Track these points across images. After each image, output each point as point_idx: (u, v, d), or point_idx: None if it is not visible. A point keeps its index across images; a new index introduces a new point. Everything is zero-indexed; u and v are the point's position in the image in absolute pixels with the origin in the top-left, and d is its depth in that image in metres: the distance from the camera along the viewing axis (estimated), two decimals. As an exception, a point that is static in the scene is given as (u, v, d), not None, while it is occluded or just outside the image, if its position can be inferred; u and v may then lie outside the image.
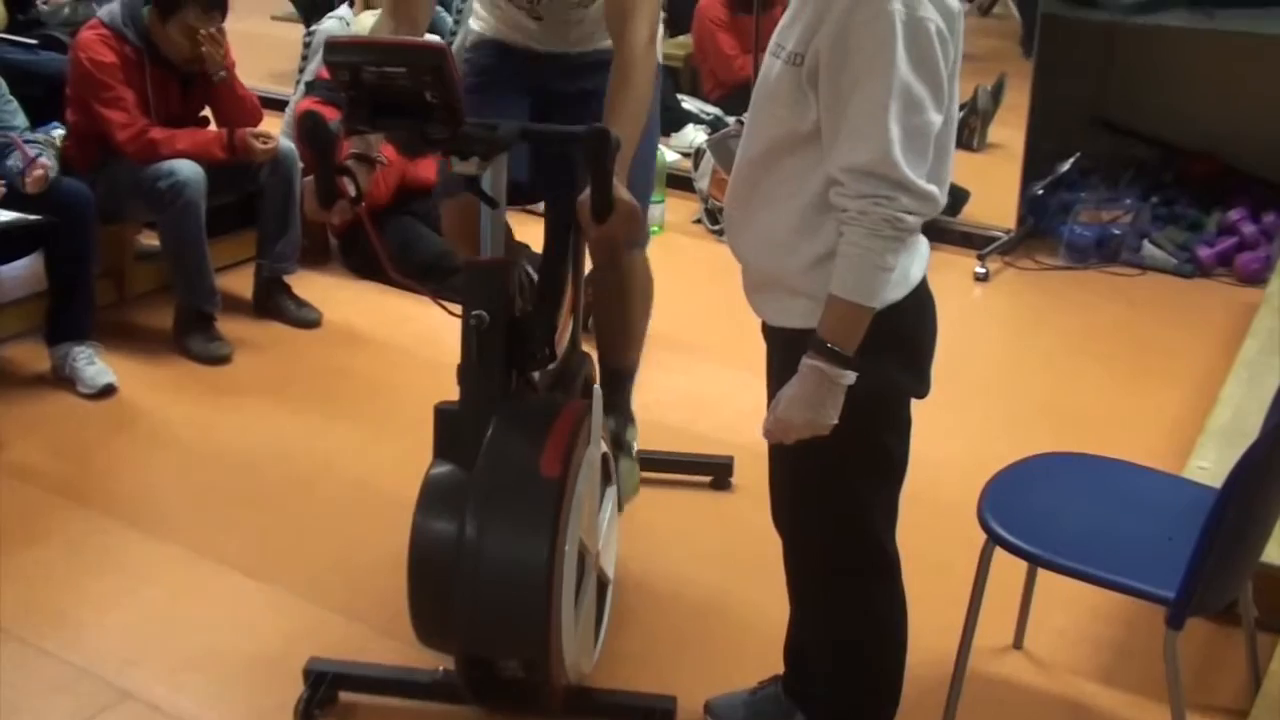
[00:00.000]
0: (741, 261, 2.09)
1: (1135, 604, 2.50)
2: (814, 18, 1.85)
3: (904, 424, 2.10)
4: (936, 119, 1.84)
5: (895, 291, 1.93)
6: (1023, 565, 2.45)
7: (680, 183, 5.53)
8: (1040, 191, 5.28)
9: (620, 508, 2.96)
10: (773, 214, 1.97)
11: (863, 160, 1.81)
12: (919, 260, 2.01)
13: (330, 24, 5.13)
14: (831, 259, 1.87)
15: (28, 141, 3.81)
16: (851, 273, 1.85)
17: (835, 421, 1.91)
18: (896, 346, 1.98)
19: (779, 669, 2.48)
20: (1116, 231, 5.05)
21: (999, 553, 2.29)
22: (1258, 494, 2.08)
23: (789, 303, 1.99)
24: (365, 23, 4.73)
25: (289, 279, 4.45)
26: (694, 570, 3.06)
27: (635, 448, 3.07)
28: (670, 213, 5.28)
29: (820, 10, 1.84)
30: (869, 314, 1.87)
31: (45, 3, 5.54)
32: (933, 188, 1.84)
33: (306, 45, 5.28)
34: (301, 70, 5.25)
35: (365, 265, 4.69)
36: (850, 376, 1.88)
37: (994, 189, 5.23)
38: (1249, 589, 2.42)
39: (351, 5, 5.22)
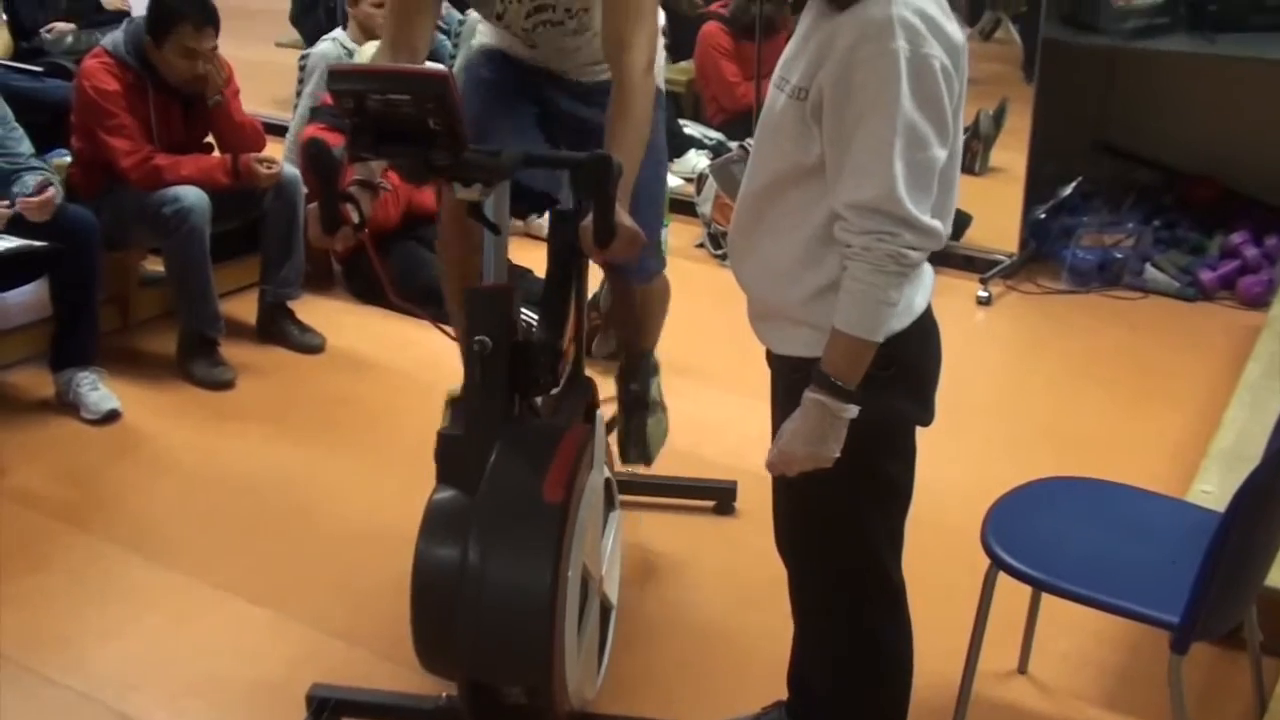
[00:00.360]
0: (745, 290, 2.09)
1: (1139, 629, 2.50)
2: (817, 53, 1.86)
3: (909, 452, 2.10)
4: (941, 154, 1.84)
5: (899, 321, 1.93)
6: (1026, 589, 2.44)
7: (683, 207, 5.55)
8: (1042, 215, 5.29)
9: (650, 460, 3.12)
10: (776, 244, 1.98)
11: (867, 197, 1.81)
12: (923, 290, 2.01)
13: (324, 47, 5.15)
14: (834, 290, 1.88)
15: (35, 169, 3.82)
16: (855, 308, 1.85)
17: (837, 454, 1.91)
18: (901, 375, 1.98)
19: (783, 694, 2.47)
20: (1118, 255, 5.06)
21: (1003, 577, 2.29)
22: (1261, 518, 2.08)
23: (791, 332, 2.00)
24: (368, 52, 4.75)
25: (293, 304, 4.46)
26: (697, 595, 3.06)
27: (662, 399, 3.24)
28: (673, 237, 5.29)
29: (824, 46, 1.84)
30: (872, 348, 1.87)
31: (49, 31, 5.57)
32: (936, 223, 1.84)
33: (302, 69, 5.31)
34: (298, 93, 5.27)
35: (368, 290, 4.71)
36: (853, 410, 1.88)
37: (996, 213, 5.24)
38: (1253, 613, 2.41)
39: (345, 28, 5.23)
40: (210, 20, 4.09)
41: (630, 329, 3.20)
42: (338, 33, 5.22)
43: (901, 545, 2.17)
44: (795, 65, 1.92)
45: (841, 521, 2.09)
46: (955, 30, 1.85)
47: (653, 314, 3.15)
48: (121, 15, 5.44)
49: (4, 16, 5.60)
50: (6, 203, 3.70)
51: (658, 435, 3.19)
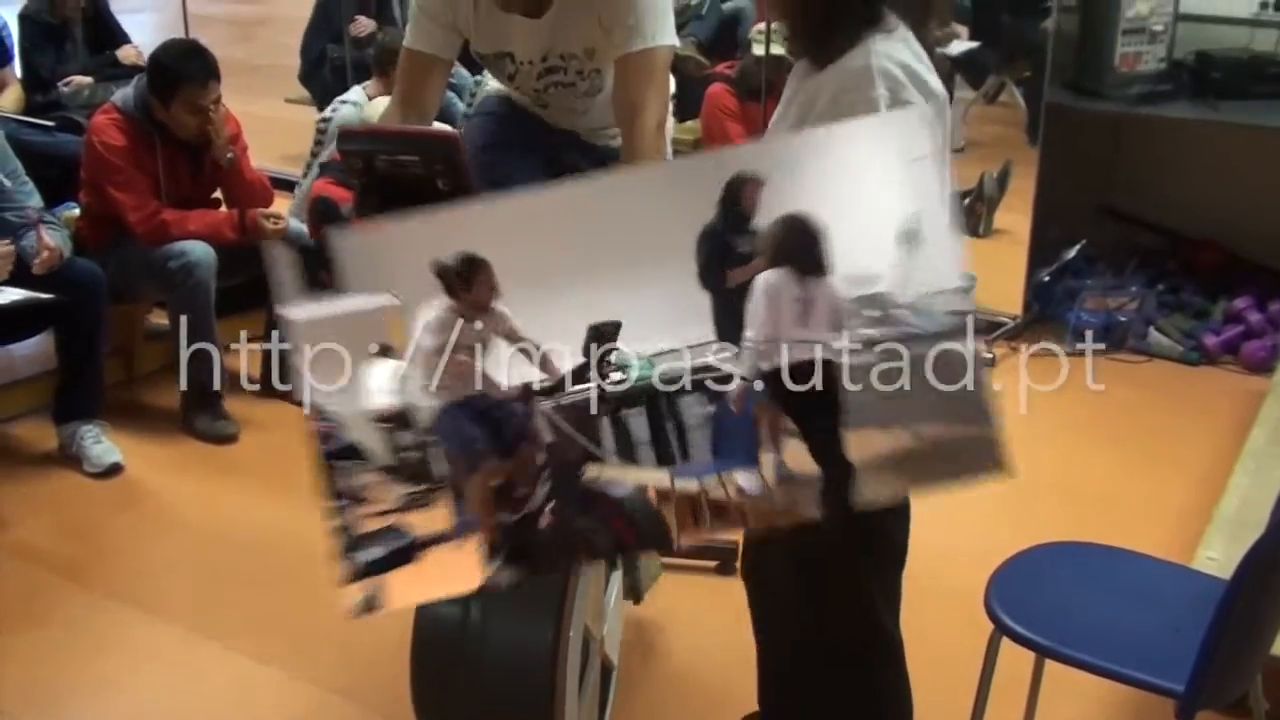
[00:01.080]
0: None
1: (1144, 696, 2.47)
2: (799, 116, 1.89)
3: (904, 508, 2.10)
4: None
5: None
6: (1030, 654, 2.43)
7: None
8: (1046, 278, 5.30)
9: (640, 598, 2.94)
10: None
11: None
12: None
13: (346, 110, 5.17)
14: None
15: (45, 222, 3.85)
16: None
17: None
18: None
19: (783, 757, 2.45)
20: (1122, 319, 5.07)
21: (1006, 642, 2.27)
22: (1267, 586, 2.07)
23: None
24: (377, 109, 4.79)
25: (297, 358, 4.46)
26: (699, 656, 3.04)
27: None
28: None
29: (805, 107, 1.88)
30: None
31: (66, 84, 5.63)
32: None
33: (321, 131, 5.33)
34: (314, 155, 5.30)
35: (373, 346, 4.70)
36: None
37: (1000, 275, 5.25)
38: (1259, 682, 2.39)
39: (364, 85, 5.26)
40: (212, 74, 4.13)
41: None
42: (356, 94, 5.22)
43: (899, 602, 2.16)
44: (783, 124, 1.95)
45: (836, 578, 2.08)
46: (936, 82, 1.88)
47: None
48: (137, 70, 5.49)
49: (19, 74, 5.65)
50: (7, 240, 3.71)
51: (650, 570, 2.99)
